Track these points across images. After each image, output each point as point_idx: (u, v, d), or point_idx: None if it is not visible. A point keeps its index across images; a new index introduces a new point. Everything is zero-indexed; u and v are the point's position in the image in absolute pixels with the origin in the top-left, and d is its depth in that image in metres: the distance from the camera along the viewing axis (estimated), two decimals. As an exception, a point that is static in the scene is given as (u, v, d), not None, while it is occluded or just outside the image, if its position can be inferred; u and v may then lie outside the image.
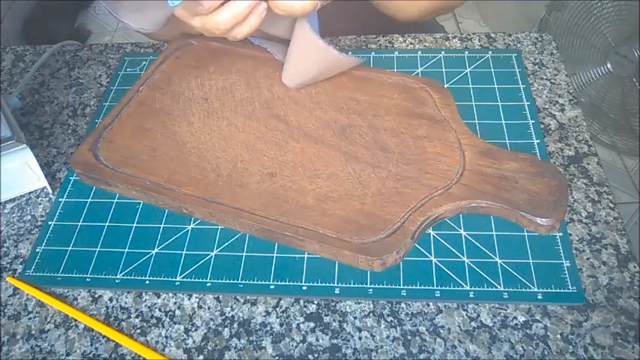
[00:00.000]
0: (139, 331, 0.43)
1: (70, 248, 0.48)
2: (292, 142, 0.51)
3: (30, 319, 0.44)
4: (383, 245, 0.43)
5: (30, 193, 0.53)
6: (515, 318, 0.42)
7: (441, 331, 0.41)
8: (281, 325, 0.42)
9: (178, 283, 0.45)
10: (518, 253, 0.44)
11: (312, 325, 0.42)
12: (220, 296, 0.44)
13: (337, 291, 0.43)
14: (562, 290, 0.42)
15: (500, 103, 0.55)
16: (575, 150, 0.51)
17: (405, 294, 0.43)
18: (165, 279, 0.45)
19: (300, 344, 0.41)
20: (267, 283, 0.44)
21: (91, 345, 0.42)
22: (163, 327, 0.43)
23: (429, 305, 0.43)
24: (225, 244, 0.47)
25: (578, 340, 0.40)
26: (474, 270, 0.44)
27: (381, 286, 0.43)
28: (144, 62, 0.64)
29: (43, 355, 0.42)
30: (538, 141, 0.51)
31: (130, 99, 0.56)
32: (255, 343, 0.42)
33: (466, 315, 0.42)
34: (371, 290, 0.43)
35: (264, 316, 0.43)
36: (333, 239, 0.44)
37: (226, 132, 0.52)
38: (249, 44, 0.58)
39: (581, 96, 1.32)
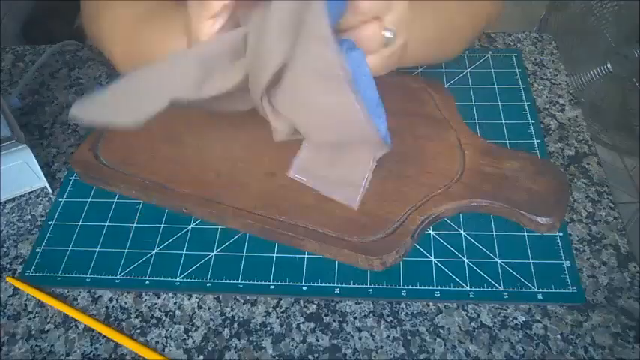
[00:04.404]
0: (139, 331, 0.43)
1: (70, 248, 0.48)
2: (292, 142, 0.51)
3: (30, 319, 0.44)
4: (383, 244, 0.43)
5: (30, 193, 0.53)
6: (515, 318, 0.42)
7: (441, 331, 0.41)
8: (281, 325, 0.42)
9: (178, 283, 0.45)
10: (518, 253, 0.44)
11: (312, 325, 0.42)
12: (220, 296, 0.44)
13: (337, 291, 0.43)
14: (562, 290, 0.42)
15: (500, 103, 0.55)
16: (575, 150, 0.51)
17: (405, 294, 0.43)
18: (165, 279, 0.45)
19: (300, 344, 0.41)
20: (267, 283, 0.44)
21: (91, 345, 0.42)
22: (163, 327, 0.43)
23: (429, 305, 0.43)
24: (225, 244, 0.47)
25: (578, 340, 0.40)
26: (474, 270, 0.44)
27: (381, 286, 0.43)
28: (144, 62, 0.64)
29: (43, 355, 0.42)
30: (538, 141, 0.51)
31: (130, 99, 0.56)
32: (255, 343, 0.42)
33: (466, 315, 0.42)
34: (371, 290, 0.43)
35: (264, 316, 0.43)
36: (334, 239, 0.44)
37: (226, 131, 0.52)
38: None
39: (581, 96, 1.32)
